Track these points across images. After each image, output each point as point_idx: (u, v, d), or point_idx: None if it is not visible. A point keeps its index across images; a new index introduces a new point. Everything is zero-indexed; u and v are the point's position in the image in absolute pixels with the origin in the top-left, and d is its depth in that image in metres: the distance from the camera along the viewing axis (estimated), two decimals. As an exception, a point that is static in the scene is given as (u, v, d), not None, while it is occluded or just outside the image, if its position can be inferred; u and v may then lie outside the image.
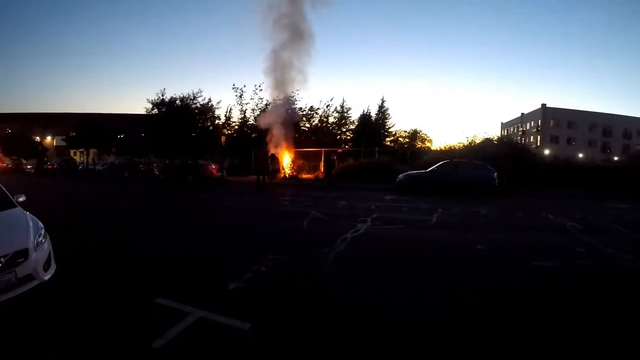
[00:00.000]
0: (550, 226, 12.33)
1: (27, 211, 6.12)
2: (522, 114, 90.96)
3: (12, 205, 6.14)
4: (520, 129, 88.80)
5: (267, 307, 5.26)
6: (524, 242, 9.99)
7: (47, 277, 5.32)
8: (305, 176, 34.83)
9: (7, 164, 50.33)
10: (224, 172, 35.86)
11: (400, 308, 5.34)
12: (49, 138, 70.91)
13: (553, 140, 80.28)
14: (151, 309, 5.05)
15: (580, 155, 54.29)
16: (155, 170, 36.53)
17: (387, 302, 5.54)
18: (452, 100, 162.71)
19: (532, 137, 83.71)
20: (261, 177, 29.11)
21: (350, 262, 7.69)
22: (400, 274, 7.00)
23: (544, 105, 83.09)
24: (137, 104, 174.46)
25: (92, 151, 57.56)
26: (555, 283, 6.62)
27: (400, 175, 24.39)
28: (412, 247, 9.27)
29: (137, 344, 4.12)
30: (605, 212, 15.53)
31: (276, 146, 34.07)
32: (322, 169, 35.37)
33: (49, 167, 43.34)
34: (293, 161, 36.14)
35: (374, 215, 13.45)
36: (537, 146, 73.45)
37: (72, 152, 63.86)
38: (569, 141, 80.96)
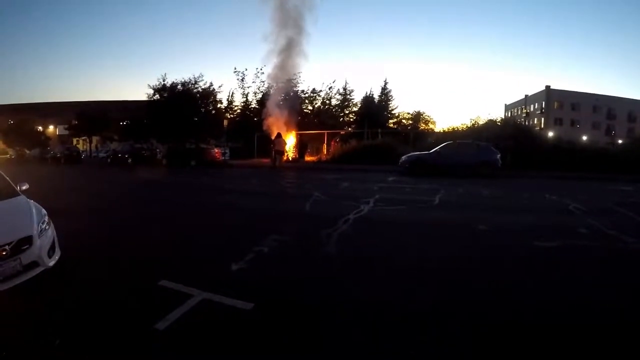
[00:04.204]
0: (553, 207, 12.26)
1: (30, 199, 6.12)
2: (525, 95, 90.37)
3: (15, 193, 6.14)
4: (524, 110, 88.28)
5: (269, 288, 5.31)
6: (526, 222, 9.89)
7: (51, 264, 5.31)
8: (308, 158, 34.84)
9: (10, 155, 50.18)
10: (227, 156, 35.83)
11: (403, 290, 5.34)
12: (51, 127, 70.85)
13: (557, 123, 79.76)
14: (155, 291, 5.07)
15: (585, 137, 53.88)
16: (158, 155, 36.53)
17: (389, 284, 5.56)
18: (456, 82, 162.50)
19: (536, 119, 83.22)
20: (276, 160, 28.80)
21: (352, 243, 7.71)
22: (403, 255, 7.01)
23: (548, 87, 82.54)
24: (139, 90, 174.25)
25: (94, 138, 57.63)
26: (555, 263, 6.61)
27: (403, 157, 24.34)
28: (415, 228, 9.29)
29: (140, 327, 4.13)
30: (609, 194, 15.42)
31: (279, 129, 33.90)
32: (324, 151, 35.36)
33: (54, 156, 43.18)
34: (296, 144, 36.10)
35: (377, 197, 13.45)
36: (541, 128, 73.13)
37: (75, 140, 63.88)
38: (572, 123, 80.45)
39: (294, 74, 40.55)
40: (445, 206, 12.16)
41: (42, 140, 59.38)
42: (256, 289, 5.22)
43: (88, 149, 58.09)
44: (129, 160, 36.22)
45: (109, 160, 39.28)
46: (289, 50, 37.19)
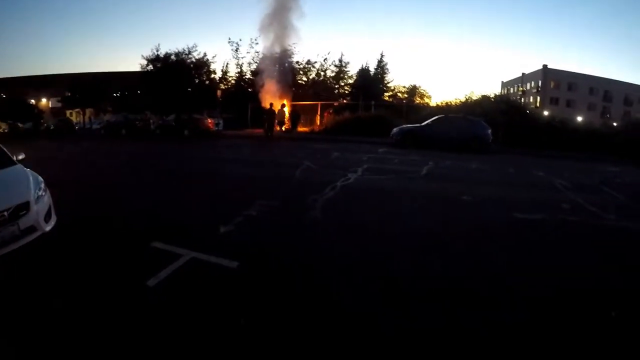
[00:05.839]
0: (539, 183, 12.44)
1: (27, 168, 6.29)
2: (522, 73, 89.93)
3: (12, 162, 6.29)
4: (521, 88, 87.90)
5: (253, 248, 5.58)
6: (510, 196, 10.13)
7: (48, 228, 5.52)
8: (301, 129, 34.85)
9: (3, 129, 49.80)
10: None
11: (377, 252, 5.61)
12: (44, 100, 70.17)
13: (553, 102, 79.46)
14: (147, 252, 5.33)
15: (580, 118, 53.88)
16: (152, 126, 36.58)
17: (365, 245, 5.84)
18: (454, 58, 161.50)
19: (532, 97, 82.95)
20: (270, 130, 28.78)
21: (336, 208, 7.96)
22: (382, 220, 7.31)
23: (545, 66, 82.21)
24: (133, 61, 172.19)
25: (88, 110, 57.31)
26: (533, 234, 6.86)
27: (395, 129, 24.32)
28: (398, 196, 9.53)
29: (132, 283, 4.42)
30: (596, 173, 15.52)
31: (274, 99, 33.77)
32: (317, 122, 35.45)
33: (48, 128, 43.22)
34: (290, 114, 36.10)
35: (365, 166, 13.70)
36: (536, 107, 72.94)
37: (68, 112, 63.52)
38: (568, 103, 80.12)
39: (290, 45, 40.44)
40: (432, 177, 12.39)
41: (35, 113, 58.96)
42: (242, 249, 5.48)
43: (82, 121, 57.74)
44: (123, 132, 36.20)
45: (102, 131, 39.16)
46: (284, 19, 37.12)
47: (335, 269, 4.95)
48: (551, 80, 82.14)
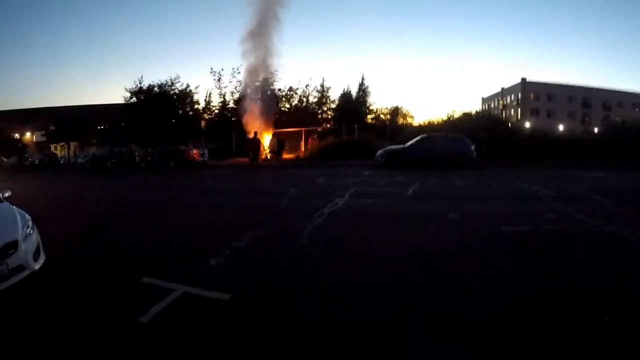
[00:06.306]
0: (524, 195, 12.66)
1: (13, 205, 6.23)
2: (502, 88, 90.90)
3: (-2, 200, 6.26)
4: (501, 102, 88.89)
5: (244, 280, 5.59)
6: (496, 210, 10.29)
7: (37, 267, 5.44)
8: (286, 156, 34.93)
9: None
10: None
11: (374, 281, 5.57)
12: (28, 134, 69.87)
13: (534, 113, 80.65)
14: (138, 288, 5.29)
15: (561, 127, 54.62)
16: (137, 158, 36.57)
17: (360, 275, 5.80)
18: (434, 76, 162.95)
19: (512, 110, 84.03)
20: (255, 159, 28.80)
21: (325, 235, 7.97)
22: (372, 245, 7.34)
23: (523, 79, 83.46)
24: (116, 93, 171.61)
25: (73, 144, 57.08)
26: (521, 246, 7.00)
27: (379, 151, 24.67)
28: (387, 218, 9.61)
29: (124, 320, 4.37)
30: (580, 180, 15.80)
31: (258, 128, 33.86)
32: (302, 148, 35.57)
33: (33, 163, 43.18)
34: (274, 142, 36.22)
35: (352, 190, 13.70)
36: (517, 119, 73.87)
37: (52, 146, 63.26)
38: (549, 114, 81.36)
39: (271, 73, 40.77)
40: (418, 197, 12.52)
41: (20, 148, 58.62)
42: (233, 281, 5.50)
43: (66, 154, 57.48)
44: (108, 165, 36.17)
45: (88, 165, 39.09)
46: (264, 48, 37.55)
47: (326, 297, 4.98)
48: (530, 92, 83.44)
